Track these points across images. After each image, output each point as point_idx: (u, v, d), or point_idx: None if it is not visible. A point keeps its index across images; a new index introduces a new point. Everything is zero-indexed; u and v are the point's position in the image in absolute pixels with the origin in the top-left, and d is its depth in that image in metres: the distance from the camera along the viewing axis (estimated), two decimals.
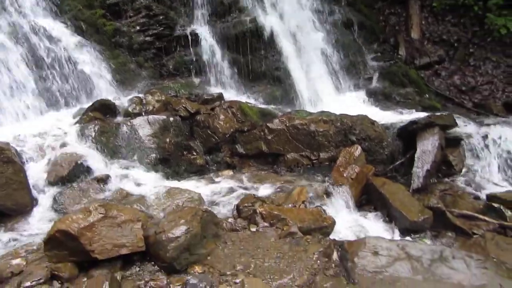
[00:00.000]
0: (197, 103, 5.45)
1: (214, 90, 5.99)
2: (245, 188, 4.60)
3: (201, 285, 3.00)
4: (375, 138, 5.31)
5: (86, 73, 5.70)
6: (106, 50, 6.06)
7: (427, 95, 6.89)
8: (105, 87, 5.79)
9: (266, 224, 3.71)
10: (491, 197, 5.10)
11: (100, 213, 3.05)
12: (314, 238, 3.56)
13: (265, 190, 4.56)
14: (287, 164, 5.02)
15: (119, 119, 5.24)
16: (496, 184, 5.45)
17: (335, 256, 3.13)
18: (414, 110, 6.41)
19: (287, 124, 5.09)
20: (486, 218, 4.66)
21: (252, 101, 6.03)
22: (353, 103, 6.79)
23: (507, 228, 4.59)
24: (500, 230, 4.60)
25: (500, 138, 5.79)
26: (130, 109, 5.25)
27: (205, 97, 5.59)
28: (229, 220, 3.85)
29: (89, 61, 5.82)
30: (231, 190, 4.54)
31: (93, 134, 4.76)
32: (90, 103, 5.23)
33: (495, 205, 4.86)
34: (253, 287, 2.93)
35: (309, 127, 5.10)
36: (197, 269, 3.19)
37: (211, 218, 3.48)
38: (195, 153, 5.00)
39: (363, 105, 6.73)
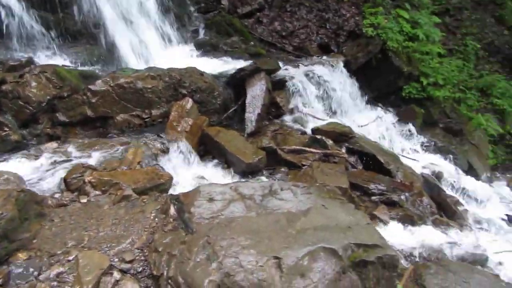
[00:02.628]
0: (0, 72, 4.70)
1: (22, 55, 5.23)
2: (73, 159, 4.20)
3: (27, 272, 2.69)
4: (206, 89, 5.32)
5: None
6: None
7: (252, 43, 7.12)
8: None
9: (97, 192, 3.46)
10: (314, 130, 5.62)
11: None
12: (151, 197, 3.46)
13: (96, 157, 4.22)
14: (118, 126, 4.72)
15: None
16: (318, 118, 6.01)
17: (172, 210, 3.08)
18: (241, 58, 6.58)
19: (112, 84, 4.74)
20: (312, 150, 5.13)
21: (69, 63, 5.45)
22: (182, 56, 6.66)
23: (329, 155, 5.13)
24: (324, 159, 5.12)
25: (318, 76, 6.35)
26: None
27: (11, 64, 4.84)
28: (55, 195, 3.49)
29: None
30: (57, 163, 4.10)
31: None
32: None
33: (318, 136, 5.37)
34: (89, 260, 2.73)
35: (136, 84, 4.83)
36: (21, 256, 2.83)
37: (30, 198, 3.09)
38: (7, 129, 4.35)
39: (193, 58, 6.67)
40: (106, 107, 4.71)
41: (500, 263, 4.68)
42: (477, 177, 6.69)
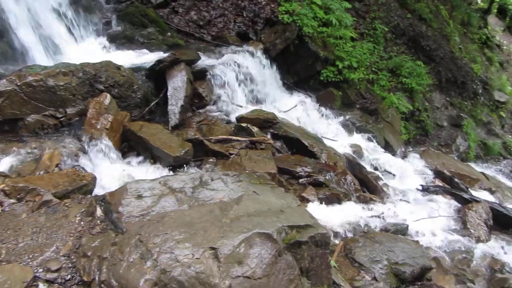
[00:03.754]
0: None
1: None
2: None
3: None
4: (124, 83, 5.09)
5: None
6: None
7: (169, 34, 6.93)
8: None
9: (12, 200, 3.18)
10: (239, 119, 5.64)
11: None
12: (74, 201, 3.26)
13: (7, 163, 3.88)
14: (30, 128, 4.36)
15: None
16: (242, 107, 6.04)
17: (99, 212, 2.93)
18: (159, 50, 6.38)
19: (19, 83, 4.35)
20: (238, 138, 5.15)
21: None
22: (95, 50, 6.30)
23: (256, 142, 5.18)
24: (251, 146, 5.16)
25: (239, 64, 6.36)
26: None
27: None
28: None
29: None
30: None
31: None
32: None
33: (244, 125, 5.40)
34: (9, 275, 2.51)
35: (47, 82, 4.49)
36: None
37: None
38: None
39: (107, 51, 6.33)
40: (14, 108, 4.33)
41: (418, 230, 5.06)
42: (393, 152, 7.15)
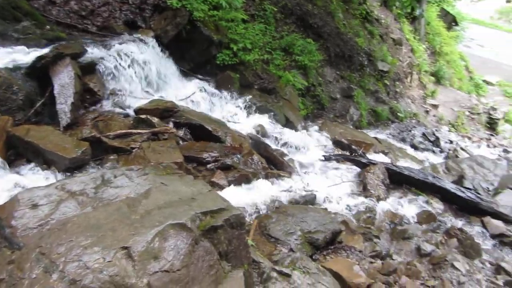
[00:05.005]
0: None
1: None
2: None
3: None
4: (1, 85, 4.58)
5: None
6: None
7: (48, 27, 6.33)
8: None
9: None
10: (138, 111, 5.41)
11: None
12: None
13: None
14: None
15: None
16: (139, 98, 5.79)
17: None
18: (39, 45, 5.81)
19: None
20: (139, 131, 4.94)
21: None
22: None
23: (158, 133, 5.01)
24: (153, 137, 4.99)
25: (130, 54, 6.05)
26: None
27: None
28: None
29: None
30: None
31: None
32: None
33: (143, 116, 5.19)
34: None
35: None
36: None
37: None
38: None
39: None
40: None
41: (326, 198, 5.33)
42: (294, 128, 7.41)
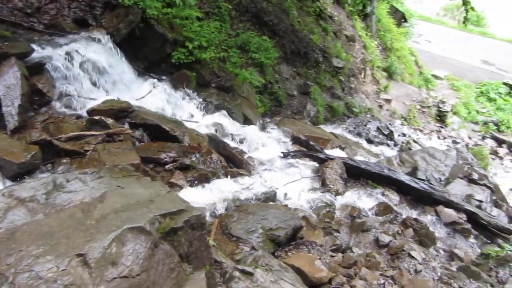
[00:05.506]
0: None
1: None
2: None
3: None
4: None
5: None
6: None
7: None
8: None
9: None
10: (91, 112, 5.22)
11: None
12: None
13: None
14: None
15: None
16: (92, 99, 5.59)
17: None
18: None
19: None
20: (93, 133, 4.77)
21: None
22: None
23: (113, 134, 4.86)
24: (108, 139, 4.83)
25: (81, 53, 5.83)
26: None
27: None
28: None
29: None
30: None
31: None
32: None
33: (96, 118, 5.01)
34: None
35: None
36: None
37: None
38: None
39: None
40: None
41: (285, 194, 5.36)
42: (253, 125, 7.40)
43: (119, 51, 6.43)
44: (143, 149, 5.07)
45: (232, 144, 6.42)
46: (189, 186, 4.81)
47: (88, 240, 2.37)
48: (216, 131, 6.50)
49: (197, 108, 6.92)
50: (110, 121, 5.00)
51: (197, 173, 5.07)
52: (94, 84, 5.94)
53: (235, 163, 5.90)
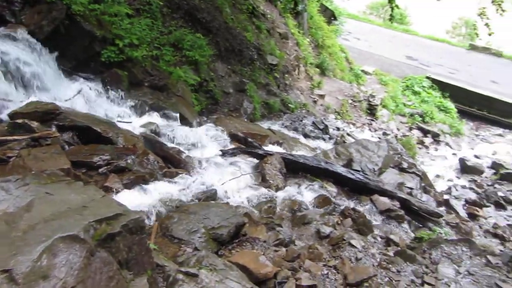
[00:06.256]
0: None
1: None
2: None
3: None
4: None
5: None
6: None
7: None
8: None
9: None
10: (13, 115, 4.85)
11: None
12: None
13: None
14: None
15: None
16: (13, 101, 5.19)
17: None
18: None
19: None
20: (15, 137, 4.43)
21: None
22: None
23: (39, 138, 4.54)
24: (34, 143, 4.51)
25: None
26: None
27: None
28: None
29: None
30: None
31: None
32: None
33: (20, 121, 4.66)
34: None
35: None
36: None
37: None
38: None
39: None
40: None
41: (226, 192, 5.31)
42: (189, 124, 7.26)
43: (43, 49, 6.01)
44: (74, 152, 4.79)
45: (169, 144, 6.25)
46: (126, 189, 4.61)
47: (14, 254, 2.17)
48: (151, 131, 6.29)
49: (130, 108, 6.66)
50: (35, 124, 4.66)
51: (134, 175, 4.87)
52: (15, 85, 5.52)
53: (173, 163, 5.75)
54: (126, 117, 6.46)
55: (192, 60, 8.40)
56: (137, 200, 4.47)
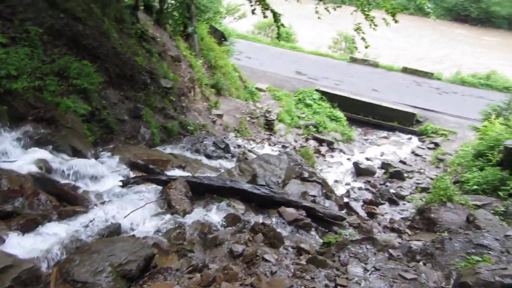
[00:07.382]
0: None
1: None
2: None
3: None
4: None
5: None
6: None
7: None
8: None
9: None
10: None
11: None
12: None
13: None
14: None
15: None
16: None
17: None
18: None
19: None
20: None
21: None
22: None
23: None
24: None
25: None
26: None
27: None
28: None
29: None
30: None
31: None
32: None
33: None
34: None
35: None
36: None
37: None
38: None
39: None
40: None
41: (131, 224, 5.05)
42: (84, 157, 6.81)
43: None
44: None
45: (63, 180, 5.78)
46: (15, 236, 4.14)
47: None
48: (41, 168, 5.77)
49: (13, 146, 6.04)
50: None
51: (24, 219, 4.41)
52: None
53: (69, 200, 5.32)
54: (9, 156, 5.85)
55: (80, 89, 7.93)
56: (31, 246, 4.03)
